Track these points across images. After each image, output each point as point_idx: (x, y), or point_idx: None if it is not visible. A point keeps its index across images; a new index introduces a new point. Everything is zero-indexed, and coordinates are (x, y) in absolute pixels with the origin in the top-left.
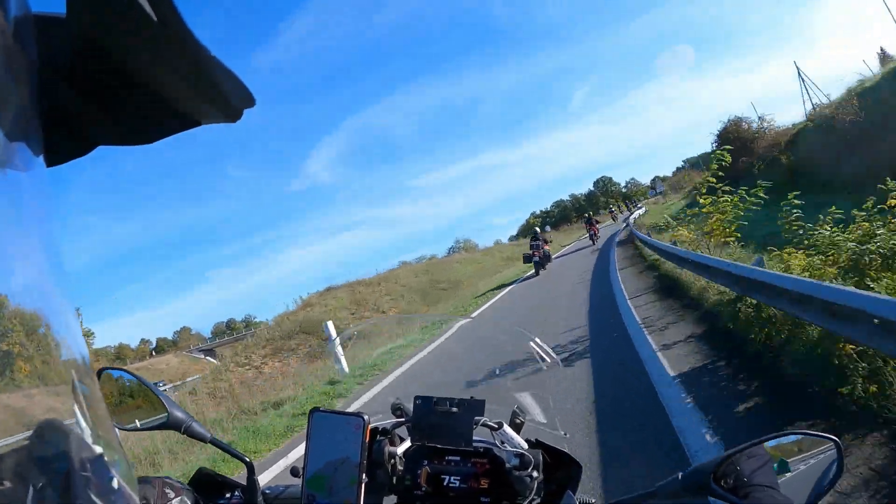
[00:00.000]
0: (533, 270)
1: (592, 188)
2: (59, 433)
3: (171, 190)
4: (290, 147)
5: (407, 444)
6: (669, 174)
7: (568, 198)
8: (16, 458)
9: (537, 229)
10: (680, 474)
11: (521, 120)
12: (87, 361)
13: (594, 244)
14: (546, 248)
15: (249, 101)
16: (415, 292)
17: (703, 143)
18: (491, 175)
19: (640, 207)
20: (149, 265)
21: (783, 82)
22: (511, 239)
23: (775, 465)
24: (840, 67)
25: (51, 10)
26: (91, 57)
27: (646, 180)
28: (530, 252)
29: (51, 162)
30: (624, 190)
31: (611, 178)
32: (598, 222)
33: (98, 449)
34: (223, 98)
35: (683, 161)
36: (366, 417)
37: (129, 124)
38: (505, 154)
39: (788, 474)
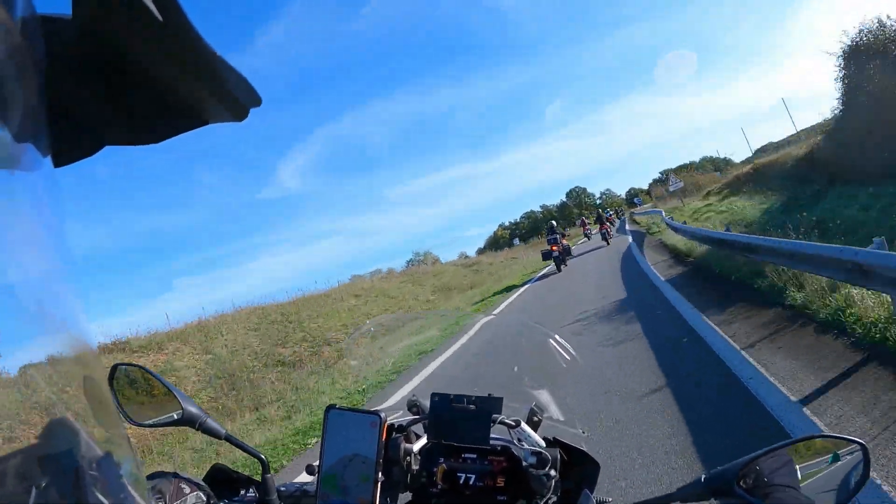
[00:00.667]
0: (552, 266)
1: (565, 199)
2: (67, 432)
3: (140, 195)
4: (261, 154)
5: (423, 441)
6: (645, 186)
7: (539, 209)
8: (24, 457)
9: (553, 223)
10: (703, 477)
11: (495, 132)
12: (97, 357)
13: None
14: (564, 242)
15: (256, 100)
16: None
17: (679, 155)
18: (465, 186)
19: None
20: (113, 272)
21: (752, 101)
22: (479, 251)
23: (798, 467)
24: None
25: (57, 10)
26: (97, 57)
27: (621, 191)
28: (548, 248)
29: (58, 162)
30: (598, 201)
31: (584, 189)
32: (564, 237)
33: (106, 447)
34: (230, 96)
35: (661, 172)
36: (383, 415)
37: (135, 124)
38: (479, 166)
39: (812, 477)
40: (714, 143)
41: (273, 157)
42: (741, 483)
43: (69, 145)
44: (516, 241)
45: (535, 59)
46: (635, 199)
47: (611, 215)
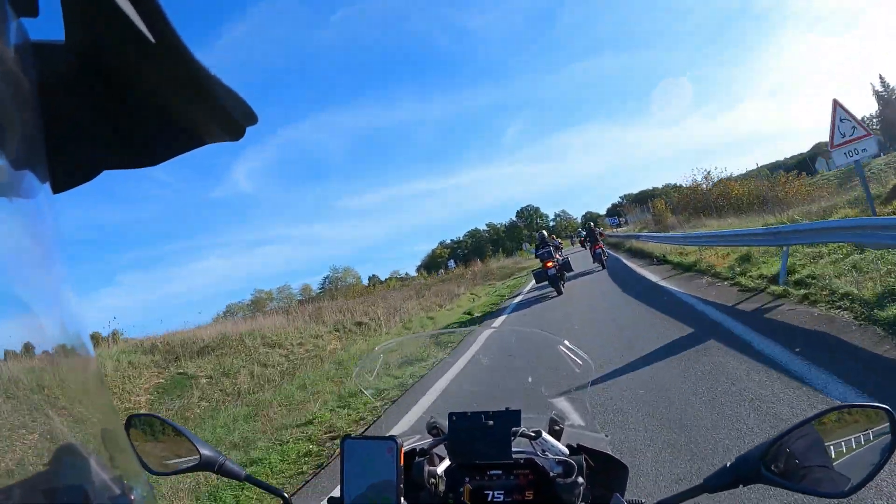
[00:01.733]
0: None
1: (515, 219)
2: (76, 459)
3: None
4: (216, 152)
5: (447, 462)
6: (602, 211)
7: (485, 227)
8: (33, 486)
9: (544, 233)
10: (728, 464)
11: (452, 151)
12: (99, 373)
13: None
14: (559, 255)
15: (252, 118)
16: None
17: (639, 182)
18: (417, 202)
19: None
20: None
21: (707, 137)
22: (417, 269)
23: (826, 442)
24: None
25: (50, 37)
26: (92, 82)
27: (576, 214)
28: (541, 267)
29: (57, 188)
30: (552, 223)
31: (537, 209)
32: (560, 249)
33: (117, 472)
34: (226, 116)
35: (621, 197)
36: (399, 440)
37: (133, 147)
38: (434, 183)
39: (841, 450)
40: (672, 174)
41: (228, 156)
42: (772, 467)
43: (67, 171)
44: (451, 263)
45: (498, 81)
46: (609, 220)
47: (602, 232)
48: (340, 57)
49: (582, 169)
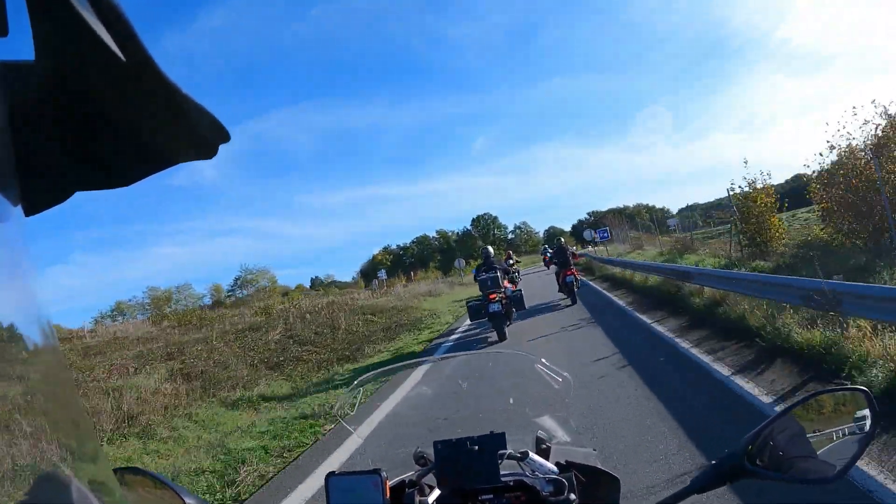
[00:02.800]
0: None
1: (469, 227)
2: (58, 486)
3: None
4: None
5: (437, 492)
6: (567, 227)
7: (434, 235)
8: None
9: (490, 249)
10: (712, 462)
11: (420, 157)
12: (74, 390)
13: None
14: (507, 285)
15: (224, 137)
16: None
17: (600, 204)
18: (380, 207)
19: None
20: None
21: (674, 164)
22: (354, 277)
23: (809, 431)
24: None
25: (19, 57)
26: (63, 102)
27: (539, 228)
28: (477, 300)
29: (29, 211)
30: (511, 236)
31: (495, 218)
32: (510, 272)
33: (100, 498)
34: (198, 135)
35: (588, 213)
36: (383, 474)
37: (105, 168)
38: (398, 188)
39: (823, 436)
40: (637, 196)
41: None
42: (757, 461)
43: (39, 194)
44: (382, 273)
45: (471, 91)
46: (588, 233)
47: (575, 252)
48: (315, 53)
49: (547, 185)
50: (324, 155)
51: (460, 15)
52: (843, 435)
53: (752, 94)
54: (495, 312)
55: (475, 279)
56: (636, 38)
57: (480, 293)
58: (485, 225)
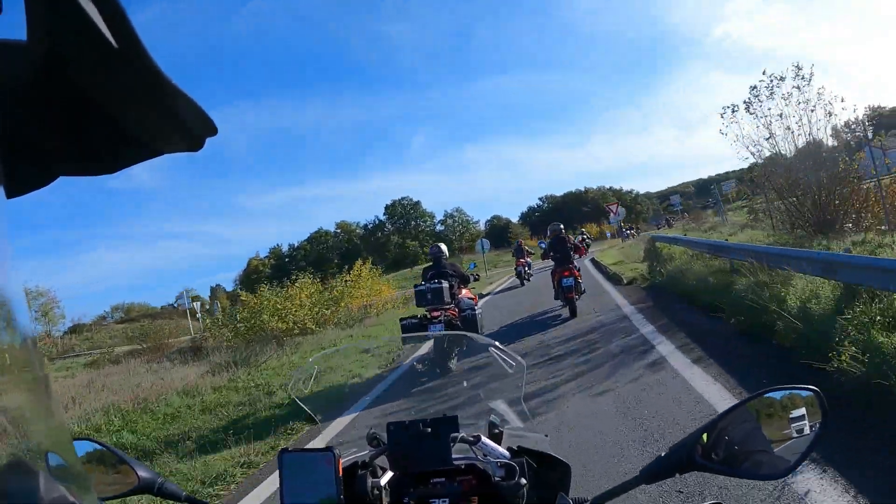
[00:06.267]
0: None
1: (382, 217)
2: (27, 475)
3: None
4: None
5: (390, 473)
6: (514, 218)
7: (335, 229)
8: None
9: (442, 247)
10: (663, 453)
11: (358, 156)
12: (61, 415)
13: None
14: (464, 295)
15: (211, 130)
16: None
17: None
18: (318, 206)
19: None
20: None
21: (607, 159)
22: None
23: (763, 426)
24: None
25: (11, 36)
26: (52, 85)
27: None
28: (415, 319)
29: (10, 193)
30: (439, 227)
31: (417, 203)
32: (466, 287)
33: (68, 486)
34: (185, 126)
35: (541, 198)
36: (336, 451)
37: (90, 154)
38: (337, 187)
39: (776, 432)
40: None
41: None
42: (712, 455)
43: (22, 176)
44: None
45: (409, 90)
46: (613, 219)
47: (581, 242)
48: (251, 51)
49: (487, 181)
50: (262, 155)
51: (397, 13)
52: (794, 432)
53: (690, 92)
54: (438, 348)
55: (416, 291)
56: (573, 37)
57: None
58: (402, 212)
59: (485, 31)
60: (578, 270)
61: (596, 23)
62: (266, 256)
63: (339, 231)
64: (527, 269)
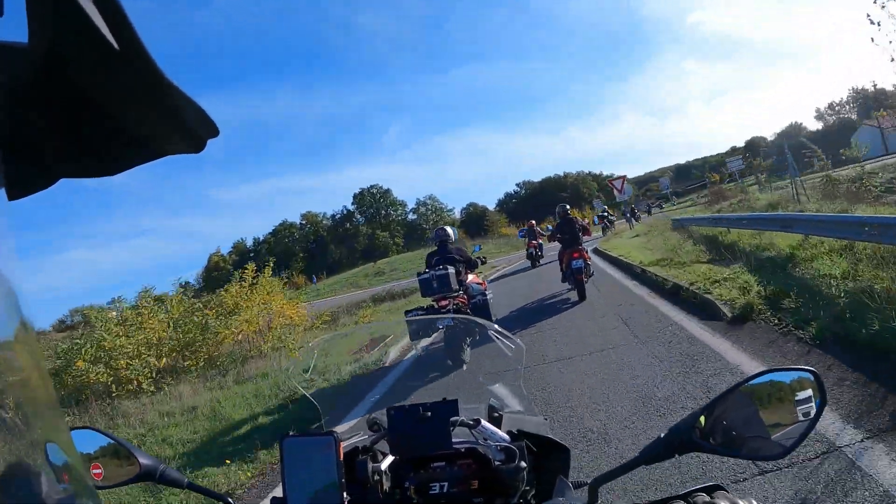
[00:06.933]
0: None
1: (351, 206)
2: (29, 477)
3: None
4: None
5: (390, 458)
6: (491, 206)
7: (299, 220)
8: None
9: (448, 230)
10: (662, 435)
11: (332, 147)
12: (61, 413)
13: None
14: (472, 281)
15: (213, 131)
16: None
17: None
18: (293, 198)
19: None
20: None
21: (583, 147)
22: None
23: (760, 408)
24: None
25: (13, 38)
26: (53, 87)
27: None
28: (422, 310)
29: (13, 195)
30: (411, 216)
31: (388, 191)
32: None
33: (71, 488)
34: (186, 128)
35: (517, 185)
36: (336, 435)
37: (92, 156)
38: (312, 179)
39: (773, 414)
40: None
41: None
42: (710, 438)
43: (24, 178)
44: None
45: (382, 80)
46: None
47: (587, 225)
48: (222, 42)
49: (462, 170)
50: (235, 147)
51: (369, 2)
52: (792, 413)
53: (664, 79)
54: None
55: (420, 280)
56: (548, 25)
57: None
58: (371, 200)
59: (457, 20)
60: (587, 252)
61: (570, 11)
62: (229, 252)
63: (304, 223)
64: (538, 250)
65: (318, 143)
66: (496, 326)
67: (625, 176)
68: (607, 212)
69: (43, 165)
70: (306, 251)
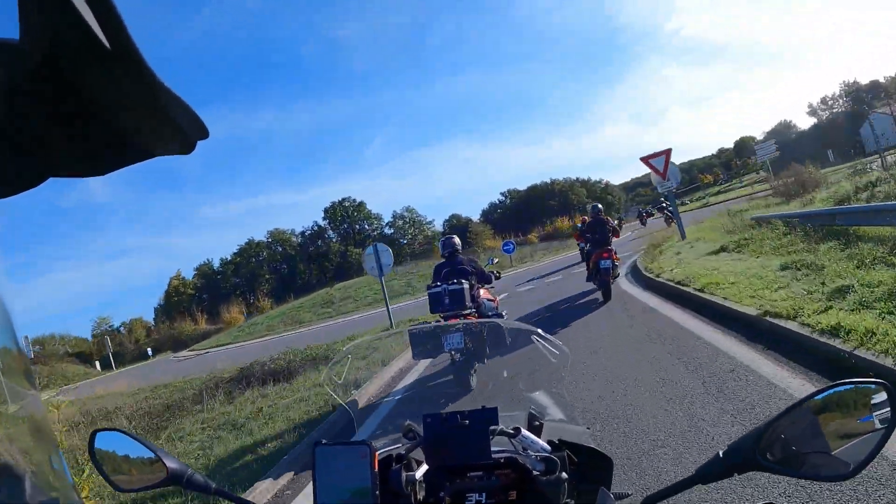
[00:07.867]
0: None
1: (322, 221)
2: (11, 480)
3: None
4: None
5: (425, 467)
6: (475, 217)
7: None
8: None
9: (454, 238)
10: (720, 452)
11: (314, 162)
12: (46, 417)
13: None
14: (484, 296)
15: (203, 133)
16: None
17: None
18: (276, 214)
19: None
20: None
21: (565, 156)
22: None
23: (823, 425)
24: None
25: (3, 35)
26: (44, 85)
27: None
28: (426, 324)
29: (1, 193)
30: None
31: (361, 203)
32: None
33: (53, 494)
34: (176, 129)
35: (502, 193)
36: (372, 445)
37: (81, 155)
38: (294, 194)
39: (838, 432)
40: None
41: None
42: (768, 455)
43: (12, 177)
44: None
45: (366, 93)
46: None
47: (615, 225)
48: (202, 59)
49: (445, 182)
50: (218, 164)
51: (348, 14)
52: (859, 430)
53: (645, 86)
54: (458, 349)
55: (429, 292)
56: (528, 35)
57: (438, 314)
58: (344, 216)
59: (438, 31)
60: (616, 253)
61: (550, 20)
62: (194, 275)
63: (270, 241)
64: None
65: (300, 159)
66: (540, 331)
67: (669, 150)
68: (663, 202)
69: (32, 164)
70: (275, 272)
